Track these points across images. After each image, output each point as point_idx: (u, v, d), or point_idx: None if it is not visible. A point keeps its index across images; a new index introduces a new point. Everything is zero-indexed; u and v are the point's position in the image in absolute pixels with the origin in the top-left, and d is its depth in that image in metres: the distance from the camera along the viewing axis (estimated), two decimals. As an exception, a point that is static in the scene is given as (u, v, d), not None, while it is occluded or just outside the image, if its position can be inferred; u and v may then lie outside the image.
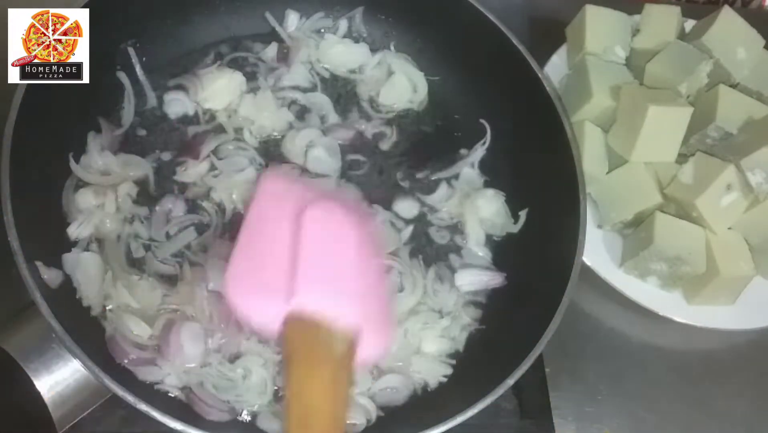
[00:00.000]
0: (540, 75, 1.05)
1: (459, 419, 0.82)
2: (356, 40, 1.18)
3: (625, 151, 1.09)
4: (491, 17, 1.07)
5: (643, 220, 1.08)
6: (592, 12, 1.19)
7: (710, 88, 1.12)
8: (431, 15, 1.13)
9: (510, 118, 1.11)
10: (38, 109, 0.88)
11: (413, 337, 0.97)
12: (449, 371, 0.96)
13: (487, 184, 1.11)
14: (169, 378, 0.88)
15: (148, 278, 0.93)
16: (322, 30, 1.18)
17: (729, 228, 1.08)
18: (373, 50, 1.17)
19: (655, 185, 1.09)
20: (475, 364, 0.96)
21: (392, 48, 1.18)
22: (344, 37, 1.17)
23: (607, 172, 1.11)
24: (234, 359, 0.91)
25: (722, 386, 1.07)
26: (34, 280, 0.80)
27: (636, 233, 1.08)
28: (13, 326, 0.82)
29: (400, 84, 1.15)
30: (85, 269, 0.90)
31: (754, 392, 1.09)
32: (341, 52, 1.16)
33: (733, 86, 1.13)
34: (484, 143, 1.12)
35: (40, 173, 0.91)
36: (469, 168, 1.12)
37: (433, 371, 0.96)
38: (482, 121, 1.13)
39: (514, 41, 1.06)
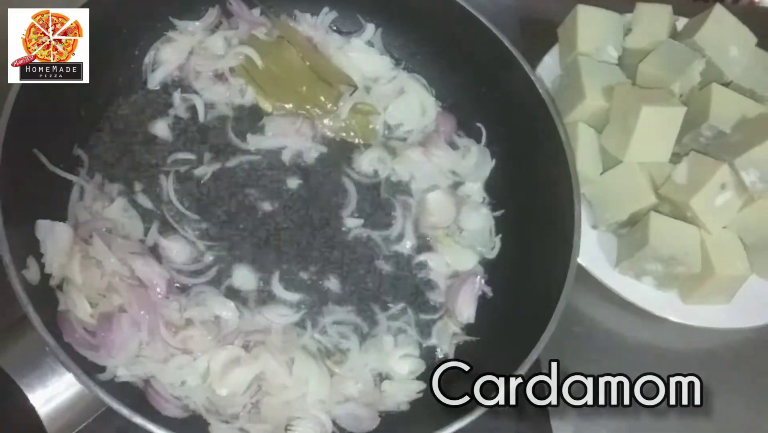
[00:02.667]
0: (533, 78, 1.04)
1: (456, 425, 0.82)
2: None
3: (619, 151, 1.09)
4: (483, 20, 1.06)
5: (638, 220, 1.07)
6: (584, 12, 1.18)
7: (703, 87, 1.12)
8: (422, 18, 1.12)
9: (503, 121, 1.11)
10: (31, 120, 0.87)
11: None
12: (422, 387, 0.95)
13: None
14: (120, 369, 0.85)
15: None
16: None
17: (724, 227, 1.08)
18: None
19: (650, 185, 1.08)
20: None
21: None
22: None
23: (601, 173, 1.11)
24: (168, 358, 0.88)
25: (719, 385, 1.07)
26: (27, 293, 0.78)
27: (631, 233, 1.08)
28: (5, 340, 0.81)
29: (410, 105, 1.13)
30: (55, 239, 0.87)
31: (751, 390, 1.09)
32: (362, 58, 1.13)
33: (726, 84, 1.13)
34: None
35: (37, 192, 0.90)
36: None
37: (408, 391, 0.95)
38: (479, 124, 1.12)
39: (507, 44, 1.05)
